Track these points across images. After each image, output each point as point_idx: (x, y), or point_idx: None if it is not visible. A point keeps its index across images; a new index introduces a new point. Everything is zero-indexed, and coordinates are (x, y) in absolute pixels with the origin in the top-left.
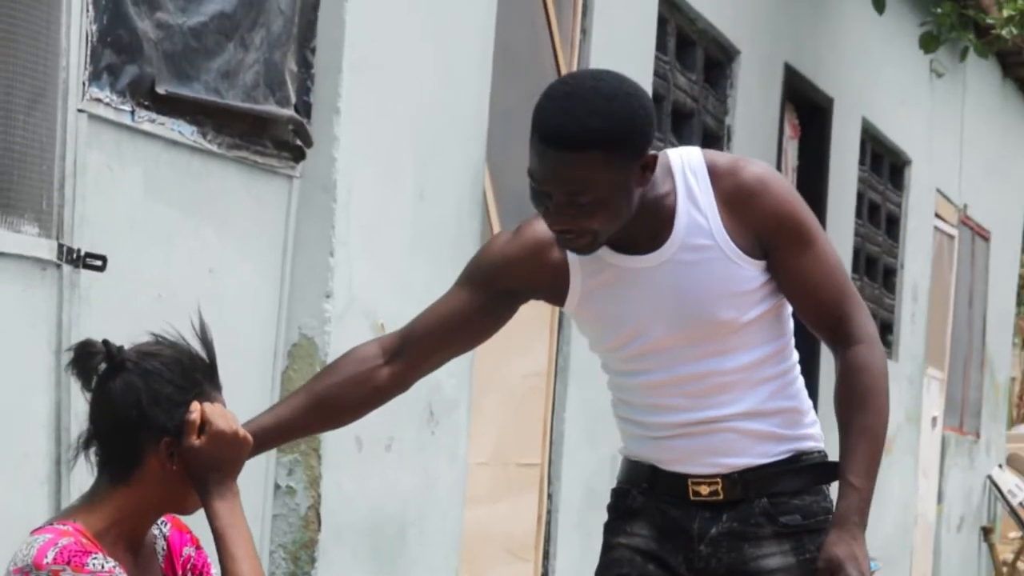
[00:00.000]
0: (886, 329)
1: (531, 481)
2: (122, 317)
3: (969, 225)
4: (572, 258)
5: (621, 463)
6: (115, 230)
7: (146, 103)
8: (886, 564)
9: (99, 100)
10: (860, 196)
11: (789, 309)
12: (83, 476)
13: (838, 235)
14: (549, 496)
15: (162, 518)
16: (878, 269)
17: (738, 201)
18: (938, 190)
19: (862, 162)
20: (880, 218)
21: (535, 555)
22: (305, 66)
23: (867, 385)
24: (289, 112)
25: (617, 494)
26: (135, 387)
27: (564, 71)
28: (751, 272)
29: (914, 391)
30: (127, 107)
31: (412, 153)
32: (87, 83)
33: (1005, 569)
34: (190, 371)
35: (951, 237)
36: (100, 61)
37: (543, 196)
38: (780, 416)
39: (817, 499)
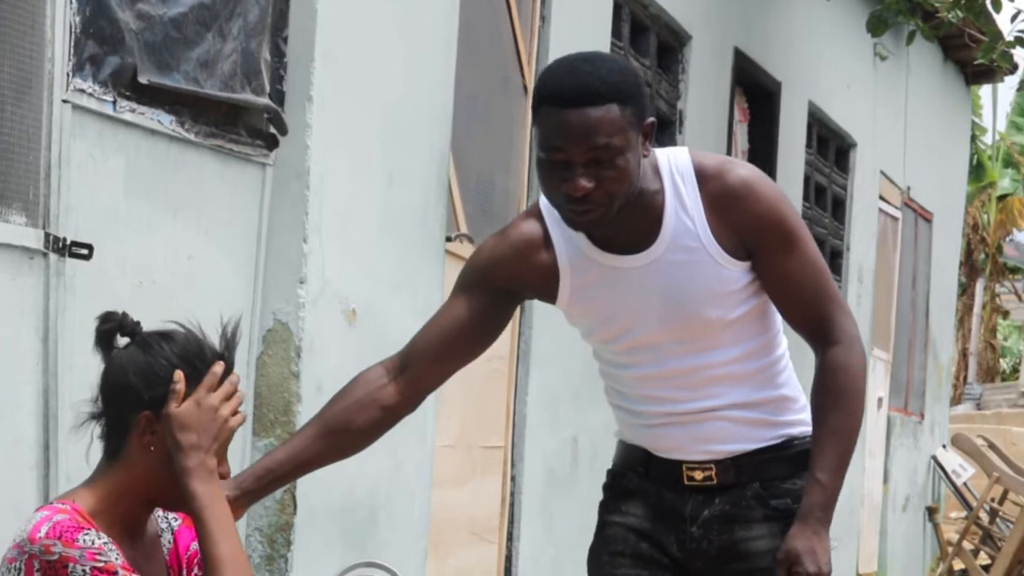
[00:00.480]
0: None
1: (495, 464)
2: (105, 304)
3: (912, 207)
4: (561, 257)
5: (617, 446)
6: (97, 219)
7: (127, 93)
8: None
9: (82, 91)
10: (807, 179)
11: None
12: (72, 463)
13: None
14: (512, 479)
15: (174, 513)
16: (825, 251)
17: (724, 204)
18: (882, 172)
19: (808, 145)
20: (826, 201)
21: (499, 536)
22: (278, 55)
23: (843, 386)
24: (265, 101)
25: (613, 475)
26: (133, 360)
27: (524, 58)
28: (736, 273)
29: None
30: (109, 97)
31: (381, 140)
32: (71, 74)
33: (950, 549)
34: (193, 356)
35: (895, 219)
36: (83, 52)
37: (560, 166)
38: (769, 404)
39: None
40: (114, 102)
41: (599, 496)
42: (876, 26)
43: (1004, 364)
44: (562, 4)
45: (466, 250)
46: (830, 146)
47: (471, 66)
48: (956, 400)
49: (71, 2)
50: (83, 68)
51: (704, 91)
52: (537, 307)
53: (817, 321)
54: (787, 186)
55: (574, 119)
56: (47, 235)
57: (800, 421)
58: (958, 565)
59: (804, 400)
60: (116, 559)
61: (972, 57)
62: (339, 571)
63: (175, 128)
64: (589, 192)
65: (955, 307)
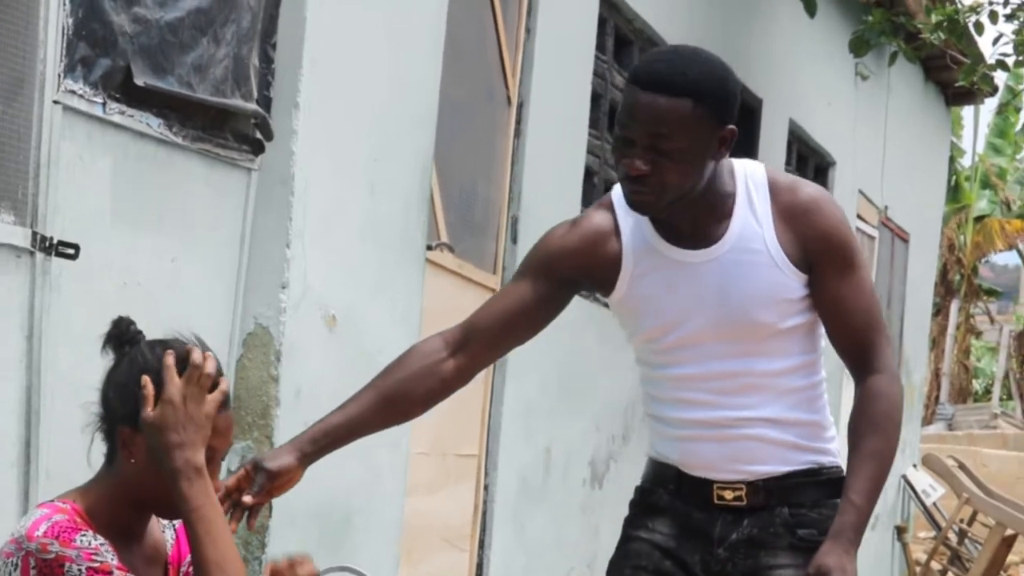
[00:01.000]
0: None
1: (469, 471)
2: (89, 305)
3: (889, 226)
4: (627, 246)
5: (647, 464)
6: (84, 219)
7: (117, 95)
8: None
9: (73, 92)
10: None
11: (822, 328)
12: (52, 459)
13: None
14: (485, 487)
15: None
16: None
17: (793, 215)
18: (860, 191)
19: (788, 162)
20: None
21: (471, 544)
22: (266, 61)
23: (884, 413)
24: (253, 106)
25: (643, 491)
26: (117, 373)
27: (509, 69)
28: (794, 283)
29: (832, 390)
30: (99, 99)
31: (365, 148)
32: (62, 75)
33: (918, 568)
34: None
35: (872, 238)
36: (75, 54)
37: (626, 143)
38: (802, 427)
39: (833, 515)
40: (104, 104)
41: (571, 506)
42: (859, 46)
43: (977, 385)
44: (548, 17)
45: (446, 259)
46: (810, 164)
47: (456, 76)
48: (928, 420)
49: (64, 4)
50: (74, 69)
51: None
52: None
53: (863, 348)
54: None
55: (644, 101)
56: (34, 234)
57: (830, 451)
58: None
59: (834, 432)
60: (112, 560)
61: (953, 79)
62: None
63: (163, 131)
64: (644, 174)
65: (929, 328)
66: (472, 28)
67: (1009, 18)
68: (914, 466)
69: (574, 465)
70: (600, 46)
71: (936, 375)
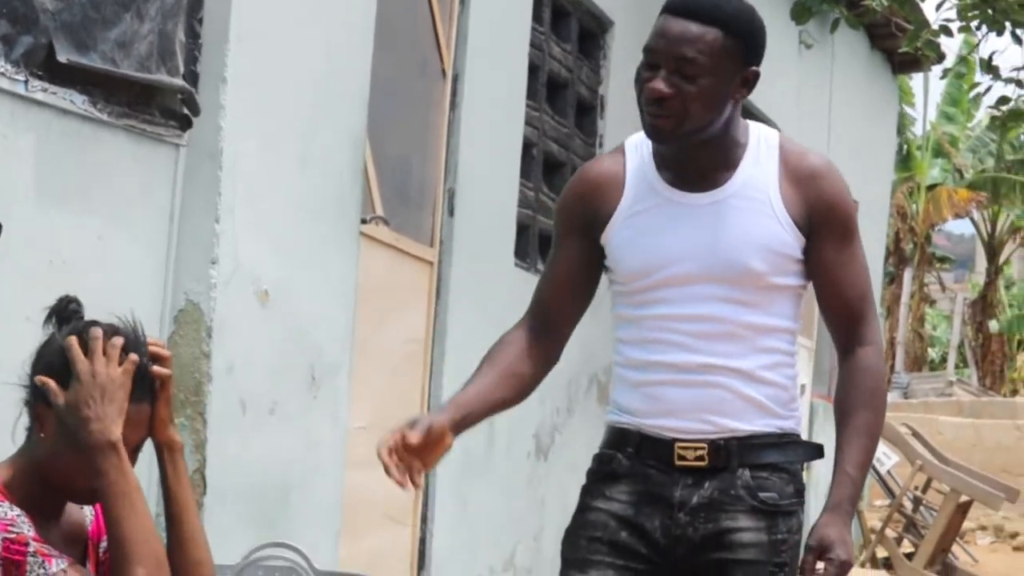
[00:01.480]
0: None
1: None
2: (15, 283)
3: None
4: (628, 186)
5: (606, 431)
6: (8, 198)
7: (39, 73)
8: None
9: None
10: None
11: (802, 306)
12: None
13: None
14: None
15: None
16: None
17: (800, 179)
18: None
19: None
20: None
21: (413, 519)
22: (193, 36)
23: (873, 387)
24: (179, 82)
25: (600, 459)
26: (44, 348)
27: (443, 42)
28: (791, 239)
29: None
30: (21, 77)
31: (296, 122)
32: None
33: (873, 536)
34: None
35: None
36: None
37: (652, 67)
38: (773, 389)
39: (793, 482)
40: (26, 82)
41: (516, 479)
42: (800, 13)
43: (933, 353)
44: None
45: (381, 232)
46: None
47: (389, 49)
48: None
49: None
50: None
51: (626, 77)
52: (453, 289)
53: (854, 319)
54: None
55: (674, 26)
56: None
57: (794, 418)
58: (881, 553)
59: (799, 403)
60: (28, 531)
61: (898, 46)
62: (247, 552)
63: (87, 108)
64: (665, 97)
65: (882, 296)
66: (404, 0)
67: None
68: None
69: (518, 438)
70: (537, 17)
71: (891, 344)
